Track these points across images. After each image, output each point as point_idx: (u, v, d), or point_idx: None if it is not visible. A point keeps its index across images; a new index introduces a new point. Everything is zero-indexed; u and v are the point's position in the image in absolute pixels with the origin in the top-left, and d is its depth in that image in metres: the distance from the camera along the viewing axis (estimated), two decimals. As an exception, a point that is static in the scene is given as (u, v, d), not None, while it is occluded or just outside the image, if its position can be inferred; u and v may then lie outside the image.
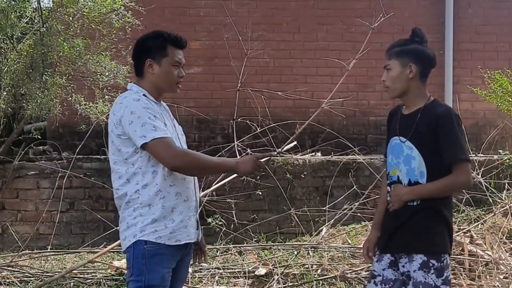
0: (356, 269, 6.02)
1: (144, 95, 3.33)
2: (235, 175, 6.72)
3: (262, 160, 3.46)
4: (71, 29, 7.08)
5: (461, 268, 5.93)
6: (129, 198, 3.27)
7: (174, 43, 3.42)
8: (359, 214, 6.94)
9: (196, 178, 3.50)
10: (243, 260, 6.29)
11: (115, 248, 6.06)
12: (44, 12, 7.20)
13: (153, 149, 3.19)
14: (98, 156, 7.46)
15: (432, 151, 3.36)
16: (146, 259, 3.22)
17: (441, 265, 3.37)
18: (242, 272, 5.99)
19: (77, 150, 7.13)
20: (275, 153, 6.94)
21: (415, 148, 3.39)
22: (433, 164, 3.36)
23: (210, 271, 6.03)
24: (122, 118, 3.23)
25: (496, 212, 6.83)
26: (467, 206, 7.07)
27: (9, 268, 6.05)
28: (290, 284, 5.86)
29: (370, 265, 3.76)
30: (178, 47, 3.43)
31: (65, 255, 6.69)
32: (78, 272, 6.03)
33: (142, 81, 3.42)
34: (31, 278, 5.92)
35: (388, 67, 3.48)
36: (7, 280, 5.84)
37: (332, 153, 7.82)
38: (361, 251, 6.16)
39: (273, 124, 7.52)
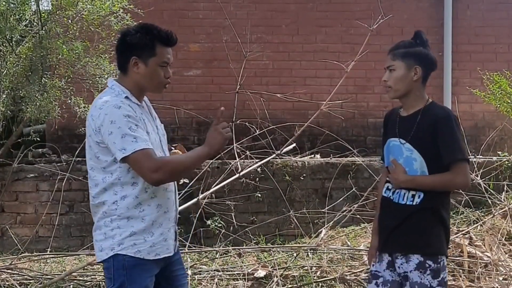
0: (355, 271, 6.02)
1: (126, 97, 3.12)
2: (235, 176, 6.76)
3: (221, 124, 3.14)
4: (70, 32, 7.08)
5: (460, 270, 5.93)
6: (107, 208, 3.12)
7: (163, 41, 3.15)
8: (358, 216, 6.93)
9: (176, 187, 3.35)
10: (242, 262, 6.29)
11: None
12: (43, 15, 7.20)
13: (134, 162, 2.99)
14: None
15: (432, 152, 3.39)
16: (127, 270, 3.08)
17: (438, 266, 3.39)
18: (242, 274, 5.99)
19: (76, 153, 7.11)
20: (276, 154, 6.95)
21: (415, 150, 3.41)
22: (434, 165, 3.39)
23: (209, 274, 6.03)
24: (102, 127, 3.02)
25: (495, 214, 6.82)
26: (466, 208, 7.07)
27: (8, 271, 6.04)
28: (290, 286, 5.86)
29: (369, 267, 3.77)
30: (167, 45, 3.17)
31: (64, 257, 6.68)
32: (78, 275, 6.02)
33: (125, 78, 3.19)
34: (31, 281, 5.92)
35: (392, 67, 3.48)
36: (7, 283, 5.84)
37: (331, 155, 7.82)
38: (360, 253, 6.24)
39: (272, 126, 7.52)
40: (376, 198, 6.67)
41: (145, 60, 3.13)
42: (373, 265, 3.62)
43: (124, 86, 3.17)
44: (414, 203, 3.42)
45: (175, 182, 3.35)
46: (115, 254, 3.09)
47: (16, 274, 6.04)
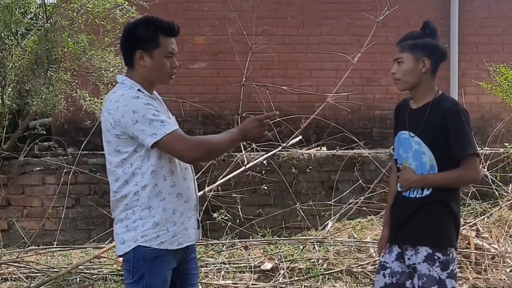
0: (362, 263, 6.01)
1: (138, 89, 3.11)
2: (241, 169, 6.75)
3: (266, 120, 3.15)
4: (76, 25, 7.08)
5: (467, 262, 5.91)
6: (129, 200, 3.09)
7: (166, 32, 3.14)
8: (364, 208, 6.93)
9: (194, 176, 3.35)
10: (248, 255, 6.29)
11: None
12: (48, 8, 7.20)
13: (167, 145, 2.99)
14: (103, 152, 7.43)
15: (441, 146, 3.36)
16: (147, 262, 3.07)
17: (447, 259, 3.37)
18: (248, 267, 5.99)
19: (82, 146, 7.13)
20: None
21: (423, 143, 3.38)
22: (443, 159, 3.37)
23: (216, 266, 6.03)
24: (122, 118, 3.01)
25: (502, 206, 6.81)
26: (473, 200, 7.05)
27: (15, 264, 6.06)
28: (296, 278, 5.85)
29: (377, 259, 3.76)
30: (170, 35, 3.16)
31: (71, 250, 6.70)
32: (84, 268, 6.03)
33: (133, 73, 3.19)
34: (38, 274, 5.94)
35: (400, 60, 3.45)
36: (14, 276, 5.86)
37: (338, 147, 7.81)
38: (367, 245, 6.23)
39: (278, 119, 7.49)
40: (383, 190, 6.74)
41: (150, 52, 3.13)
42: (382, 256, 3.62)
43: (133, 80, 3.17)
44: (423, 196, 3.42)
45: (193, 171, 3.36)
46: (138, 246, 3.08)
47: (23, 267, 6.06)
